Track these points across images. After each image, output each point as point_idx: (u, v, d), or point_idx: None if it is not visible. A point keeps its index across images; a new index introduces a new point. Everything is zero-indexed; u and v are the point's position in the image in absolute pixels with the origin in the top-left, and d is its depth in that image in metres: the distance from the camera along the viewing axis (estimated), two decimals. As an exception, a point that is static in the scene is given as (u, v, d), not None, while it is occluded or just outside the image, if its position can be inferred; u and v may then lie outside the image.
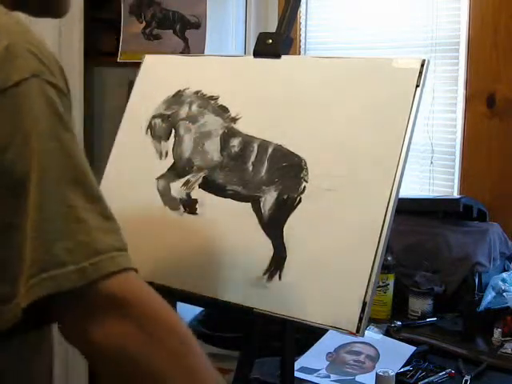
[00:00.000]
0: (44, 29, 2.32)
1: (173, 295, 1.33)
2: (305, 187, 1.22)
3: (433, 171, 2.32)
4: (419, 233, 2.04)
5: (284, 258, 1.19)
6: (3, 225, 0.67)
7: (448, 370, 1.55)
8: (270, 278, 1.19)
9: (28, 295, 0.65)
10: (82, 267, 0.65)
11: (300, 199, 1.22)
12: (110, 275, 0.66)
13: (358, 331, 1.08)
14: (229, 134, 1.33)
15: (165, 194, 1.36)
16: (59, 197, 0.67)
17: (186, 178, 1.34)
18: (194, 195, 1.33)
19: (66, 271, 0.65)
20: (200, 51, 2.35)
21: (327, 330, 1.62)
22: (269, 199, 1.25)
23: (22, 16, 0.79)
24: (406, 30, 2.36)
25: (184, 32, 2.42)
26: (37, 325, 0.70)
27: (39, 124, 0.67)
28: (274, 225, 1.23)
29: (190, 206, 1.33)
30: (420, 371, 1.55)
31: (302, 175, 1.23)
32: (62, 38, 2.40)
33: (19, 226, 0.66)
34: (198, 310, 2.36)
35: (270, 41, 1.34)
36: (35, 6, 0.83)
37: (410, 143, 1.15)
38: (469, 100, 2.21)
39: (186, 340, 0.71)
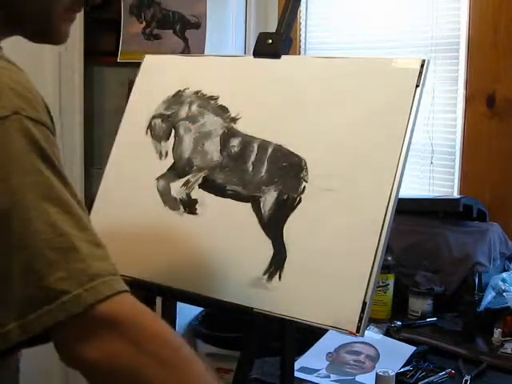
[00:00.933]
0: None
1: (173, 295, 1.33)
2: (305, 187, 1.22)
3: (433, 171, 2.32)
4: (419, 233, 2.04)
5: (284, 258, 1.19)
6: None
7: (448, 370, 1.55)
8: (270, 278, 1.19)
9: (26, 330, 0.67)
10: (77, 294, 0.67)
11: (300, 199, 1.22)
12: (105, 299, 0.68)
13: (358, 331, 1.08)
14: (229, 134, 1.33)
15: (165, 194, 1.36)
16: (48, 228, 0.68)
17: (185, 178, 1.34)
18: (193, 195, 1.33)
19: (61, 302, 0.66)
20: (200, 51, 2.35)
21: (327, 330, 1.62)
22: (269, 199, 1.25)
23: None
24: (405, 30, 2.36)
25: (184, 32, 2.42)
26: (30, 345, 0.72)
27: (19, 161, 0.68)
28: (273, 225, 1.23)
29: (189, 206, 1.33)
30: (420, 371, 1.55)
31: (301, 175, 1.23)
32: (62, 38, 2.39)
33: (4, 263, 0.67)
34: (198, 309, 2.37)
35: (270, 41, 1.34)
36: (32, 32, 0.83)
37: (410, 143, 1.15)
38: (469, 100, 2.21)
39: (180, 351, 0.73)
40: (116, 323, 0.69)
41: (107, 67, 2.69)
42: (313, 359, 1.62)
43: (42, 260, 0.67)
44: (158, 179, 1.37)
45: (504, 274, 1.87)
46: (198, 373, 0.73)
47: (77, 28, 2.41)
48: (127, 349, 0.69)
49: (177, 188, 1.35)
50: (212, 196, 1.31)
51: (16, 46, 0.89)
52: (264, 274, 1.20)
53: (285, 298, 1.17)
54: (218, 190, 1.30)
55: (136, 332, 0.70)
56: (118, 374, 0.69)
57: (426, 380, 1.51)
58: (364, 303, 1.09)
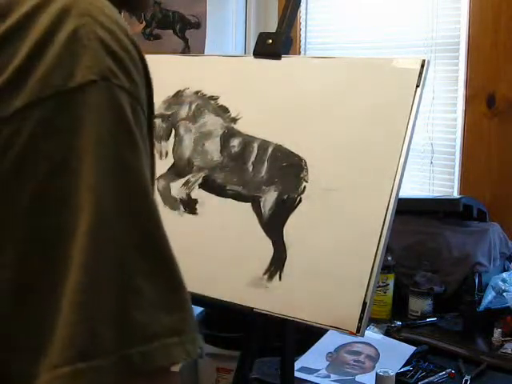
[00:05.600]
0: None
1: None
2: (305, 187, 1.22)
3: (433, 171, 2.32)
4: (419, 233, 2.04)
5: (284, 258, 1.19)
6: (31, 284, 0.48)
7: (448, 370, 1.55)
8: (270, 278, 1.19)
9: None
10: (127, 355, 0.48)
11: (300, 199, 1.22)
12: (156, 371, 0.50)
13: (358, 331, 1.08)
14: (229, 134, 1.33)
15: (165, 194, 1.36)
16: (115, 255, 0.49)
17: (186, 178, 1.34)
18: (194, 195, 1.33)
19: (107, 362, 0.47)
20: (200, 51, 2.35)
21: (327, 330, 1.62)
22: (269, 199, 1.25)
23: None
24: (405, 30, 2.36)
25: (184, 32, 2.42)
26: None
27: (102, 149, 0.49)
28: (274, 225, 1.23)
29: (189, 206, 1.33)
30: (420, 371, 1.55)
31: (302, 175, 1.23)
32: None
33: (53, 288, 0.47)
34: (198, 310, 2.37)
35: (270, 41, 1.34)
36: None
37: (410, 143, 1.15)
38: (469, 100, 2.21)
39: None
40: None
41: (107, 67, 2.68)
42: (313, 359, 1.62)
43: (99, 299, 0.48)
44: (158, 179, 1.37)
45: (504, 274, 1.87)
46: None
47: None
48: None
49: (177, 188, 1.35)
50: (212, 196, 1.31)
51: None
52: (264, 274, 1.20)
53: (285, 298, 1.17)
54: (218, 190, 1.30)
55: None
56: None
57: (426, 380, 1.51)
58: (364, 303, 1.09)
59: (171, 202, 1.35)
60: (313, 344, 1.68)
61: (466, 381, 1.51)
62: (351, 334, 1.09)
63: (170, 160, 1.38)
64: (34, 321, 0.48)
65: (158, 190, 1.36)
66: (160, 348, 0.49)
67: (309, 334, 1.60)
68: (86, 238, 0.48)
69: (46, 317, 0.47)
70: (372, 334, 1.72)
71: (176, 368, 0.52)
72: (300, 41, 2.61)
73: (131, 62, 0.52)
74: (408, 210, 2.00)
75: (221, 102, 1.36)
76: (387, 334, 1.76)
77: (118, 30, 0.51)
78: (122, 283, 0.49)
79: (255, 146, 1.29)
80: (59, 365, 0.46)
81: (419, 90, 1.17)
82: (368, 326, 1.70)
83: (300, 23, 2.60)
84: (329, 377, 1.54)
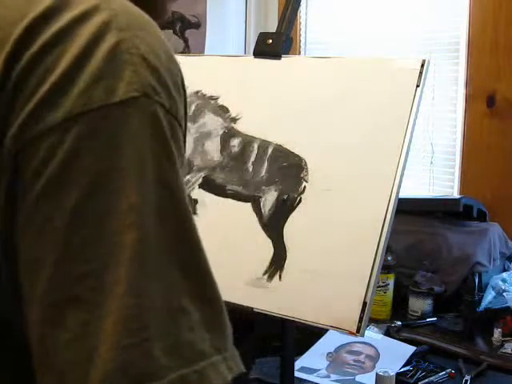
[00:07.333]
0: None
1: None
2: (305, 187, 1.22)
3: (433, 171, 2.32)
4: (419, 233, 2.04)
5: (284, 258, 1.19)
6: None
7: (448, 370, 1.55)
8: (270, 278, 1.19)
9: None
10: (185, 375, 0.47)
11: (300, 199, 1.22)
12: None
13: (358, 331, 1.08)
14: (229, 134, 1.33)
15: (165, 194, 1.36)
16: (161, 276, 0.48)
17: (185, 178, 1.34)
18: (194, 195, 1.33)
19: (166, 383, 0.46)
20: (200, 51, 2.35)
21: (327, 330, 1.62)
22: (269, 199, 1.25)
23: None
24: (406, 30, 2.36)
25: (184, 32, 2.42)
26: None
27: (144, 168, 0.48)
28: (273, 225, 1.23)
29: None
30: (420, 371, 1.55)
31: (302, 175, 1.23)
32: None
33: (97, 307, 0.46)
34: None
35: (270, 41, 1.34)
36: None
37: (410, 143, 1.15)
38: (469, 100, 2.21)
39: None
40: None
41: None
42: (313, 359, 1.62)
43: (151, 319, 0.47)
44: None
45: (504, 274, 1.87)
46: None
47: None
48: None
49: (177, 188, 1.35)
50: (212, 196, 1.31)
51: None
52: (264, 274, 1.20)
53: (285, 298, 1.17)
54: (218, 190, 1.30)
55: None
56: None
57: (426, 380, 1.51)
58: (364, 303, 1.09)
59: (171, 202, 1.35)
60: (313, 344, 1.68)
61: (466, 381, 1.51)
62: (351, 334, 1.09)
63: (170, 160, 1.38)
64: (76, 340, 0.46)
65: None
66: (210, 367, 0.48)
67: (309, 334, 1.60)
68: (131, 258, 0.47)
69: (87, 338, 0.45)
70: (372, 334, 1.72)
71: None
72: (300, 41, 2.61)
73: (171, 79, 0.51)
74: (408, 210, 2.00)
75: (221, 101, 1.36)
76: (387, 334, 1.76)
77: (158, 46, 0.50)
78: (171, 304, 0.48)
79: (255, 145, 1.29)
80: None
81: (419, 89, 1.17)
82: (368, 326, 1.70)
83: (300, 23, 2.60)
84: (329, 377, 1.54)
